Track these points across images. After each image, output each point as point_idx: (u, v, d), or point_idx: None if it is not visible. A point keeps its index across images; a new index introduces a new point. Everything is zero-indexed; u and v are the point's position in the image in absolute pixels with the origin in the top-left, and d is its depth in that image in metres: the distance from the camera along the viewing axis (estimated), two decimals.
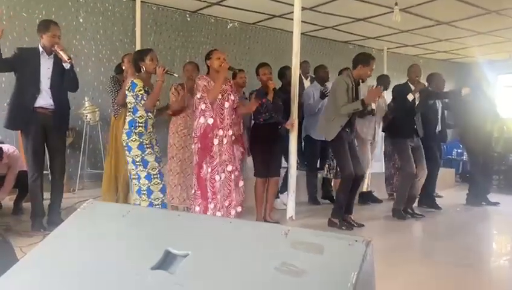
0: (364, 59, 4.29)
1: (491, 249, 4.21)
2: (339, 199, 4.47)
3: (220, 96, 3.72)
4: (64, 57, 3.62)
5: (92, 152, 6.31)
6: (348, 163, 4.27)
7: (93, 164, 6.34)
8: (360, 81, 4.39)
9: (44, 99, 3.69)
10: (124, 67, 4.55)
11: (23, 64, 3.61)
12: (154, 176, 3.48)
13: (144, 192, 3.48)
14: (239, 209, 3.84)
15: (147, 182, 3.47)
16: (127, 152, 3.50)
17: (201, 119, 3.72)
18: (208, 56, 3.86)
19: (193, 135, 3.83)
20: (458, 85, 5.75)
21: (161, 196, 3.52)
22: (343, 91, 4.21)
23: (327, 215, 4.56)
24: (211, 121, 3.70)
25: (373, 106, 4.93)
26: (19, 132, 4.16)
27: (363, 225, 4.44)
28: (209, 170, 3.70)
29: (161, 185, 3.53)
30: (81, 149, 5.89)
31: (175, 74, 3.94)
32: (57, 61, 3.72)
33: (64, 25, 5.78)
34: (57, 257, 1.39)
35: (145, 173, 3.46)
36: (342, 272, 1.11)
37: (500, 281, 3.23)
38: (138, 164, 3.45)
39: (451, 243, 4.12)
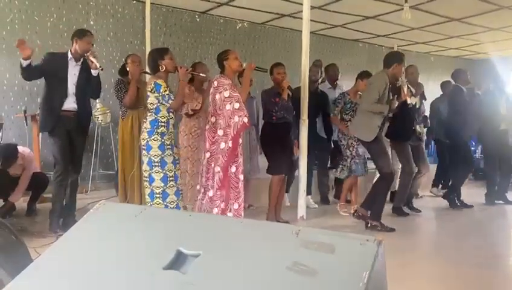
0: (398, 57, 4.32)
1: (505, 248, 4.14)
2: (379, 200, 4.31)
3: None
4: (96, 64, 3.77)
5: (104, 153, 6.37)
6: (389, 162, 4.25)
7: (105, 165, 6.40)
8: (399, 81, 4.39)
9: (69, 103, 3.82)
10: (128, 69, 4.56)
11: (52, 70, 3.74)
12: (170, 178, 3.44)
13: (158, 195, 3.42)
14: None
15: (162, 184, 3.42)
16: (144, 151, 3.44)
17: (236, 118, 3.61)
18: (224, 56, 3.78)
19: (219, 133, 3.65)
20: (476, 81, 5.67)
21: (175, 199, 3.48)
22: (380, 89, 4.14)
23: (338, 215, 4.54)
24: (245, 119, 3.63)
25: (409, 100, 4.75)
26: (35, 134, 4.21)
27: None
28: (234, 169, 3.65)
29: (175, 188, 3.49)
30: (93, 150, 5.95)
31: (201, 74, 3.91)
32: (84, 68, 3.86)
33: (74, 28, 5.86)
34: (70, 258, 1.41)
35: (162, 175, 3.41)
36: (353, 272, 1.10)
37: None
38: (156, 164, 3.40)
39: (464, 242, 4.08)
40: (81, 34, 3.83)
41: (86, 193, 5.71)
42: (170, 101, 3.42)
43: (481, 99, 5.60)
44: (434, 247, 4.02)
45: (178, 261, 1.27)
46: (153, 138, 3.42)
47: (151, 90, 3.43)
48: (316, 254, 1.18)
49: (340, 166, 5.09)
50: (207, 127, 3.80)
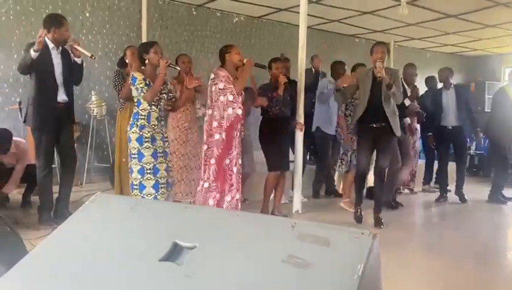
0: (371, 50, 4.37)
1: (498, 244, 4.17)
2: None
3: None
4: (85, 52, 3.71)
5: (99, 146, 6.35)
6: (359, 159, 4.34)
7: (100, 158, 6.38)
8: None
9: (61, 95, 3.77)
10: (127, 61, 4.55)
11: (40, 61, 3.58)
12: (148, 171, 3.43)
13: (136, 187, 3.44)
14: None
15: (139, 176, 3.43)
16: (128, 144, 3.51)
17: (230, 110, 3.65)
18: (226, 50, 3.83)
19: (214, 125, 3.69)
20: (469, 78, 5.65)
21: (153, 192, 3.45)
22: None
23: (333, 209, 4.53)
24: (239, 111, 3.66)
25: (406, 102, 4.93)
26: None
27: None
28: (228, 161, 3.69)
29: (153, 181, 3.45)
30: (88, 143, 5.92)
31: (177, 67, 3.94)
32: (64, 56, 3.78)
33: (70, 20, 5.78)
34: (65, 250, 1.41)
35: (139, 167, 3.42)
36: (348, 265, 1.11)
37: (504, 276, 3.23)
38: (134, 156, 3.43)
39: (458, 237, 4.11)
40: (59, 22, 3.69)
41: (81, 185, 5.70)
42: (142, 94, 3.43)
43: (495, 96, 5.64)
44: (428, 241, 4.05)
45: (174, 253, 1.28)
46: (132, 130, 3.44)
47: (130, 83, 3.48)
48: (312, 247, 1.19)
49: (340, 160, 5.07)
50: (205, 119, 3.83)
